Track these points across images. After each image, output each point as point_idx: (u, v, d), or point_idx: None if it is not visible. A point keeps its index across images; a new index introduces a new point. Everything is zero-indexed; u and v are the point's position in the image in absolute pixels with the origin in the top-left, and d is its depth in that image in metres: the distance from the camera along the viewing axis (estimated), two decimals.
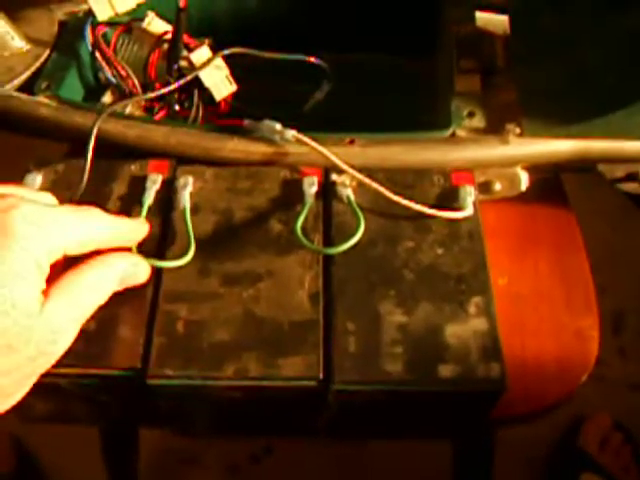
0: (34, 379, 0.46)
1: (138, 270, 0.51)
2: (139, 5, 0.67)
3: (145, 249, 0.53)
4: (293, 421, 0.55)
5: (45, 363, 0.46)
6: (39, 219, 0.44)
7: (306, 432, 0.59)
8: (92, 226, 0.48)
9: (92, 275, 0.47)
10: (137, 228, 0.53)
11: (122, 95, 0.68)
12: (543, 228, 0.67)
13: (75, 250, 0.47)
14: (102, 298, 0.48)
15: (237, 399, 0.50)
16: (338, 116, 0.66)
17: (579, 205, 0.77)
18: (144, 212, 0.54)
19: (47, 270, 0.45)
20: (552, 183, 0.68)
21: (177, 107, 0.68)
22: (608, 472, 0.94)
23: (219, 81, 0.67)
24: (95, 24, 0.67)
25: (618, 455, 0.96)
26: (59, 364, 0.48)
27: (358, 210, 0.53)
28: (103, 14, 0.66)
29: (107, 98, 0.69)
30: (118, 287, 0.50)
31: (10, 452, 1.09)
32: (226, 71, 0.67)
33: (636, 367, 1.05)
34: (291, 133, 0.57)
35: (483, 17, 0.70)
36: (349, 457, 0.96)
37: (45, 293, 0.44)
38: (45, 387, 0.51)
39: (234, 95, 0.69)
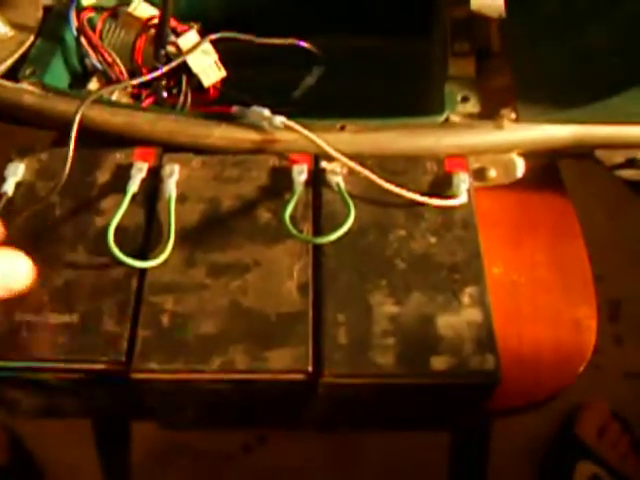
0: None
1: (15, 268, 0.48)
2: None
3: (130, 240, 0.52)
4: (282, 414, 0.53)
5: None
6: None
7: (296, 425, 0.58)
8: None
9: None
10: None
11: (109, 81, 0.67)
12: (540, 216, 0.65)
13: None
14: None
15: (224, 392, 0.49)
16: (330, 101, 0.64)
17: (577, 192, 0.75)
18: (127, 200, 0.53)
19: None
20: (549, 170, 0.66)
21: (165, 93, 0.66)
22: (606, 461, 0.93)
23: (207, 67, 0.66)
24: (80, 9, 0.66)
25: (616, 444, 0.95)
26: (43, 359, 0.46)
27: (348, 198, 0.52)
28: None
29: (93, 84, 0.67)
30: None
31: (5, 445, 1.08)
32: (215, 56, 0.66)
33: (633, 355, 1.04)
34: (280, 119, 0.56)
35: (478, 1, 0.68)
36: (344, 446, 0.95)
37: None
38: (30, 382, 0.50)
39: (223, 81, 0.67)
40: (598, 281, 1.06)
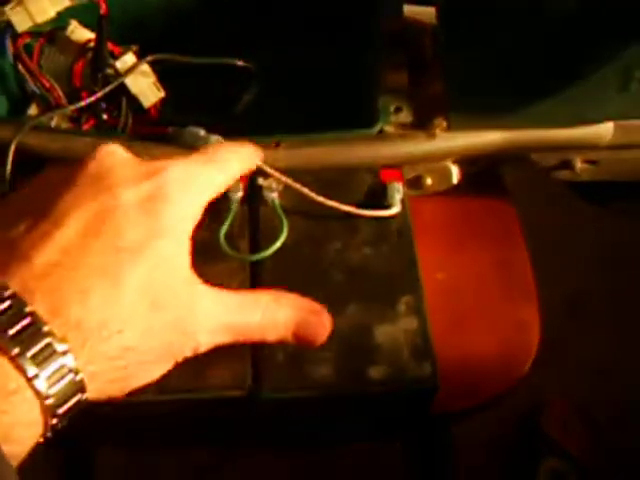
0: (171, 362, 0.45)
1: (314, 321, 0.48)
2: (60, 14, 0.65)
3: None
4: (224, 431, 0.54)
5: (183, 344, 0.44)
6: (189, 180, 0.46)
7: (244, 441, 0.58)
8: (231, 171, 0.51)
9: None
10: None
11: (48, 106, 0.67)
12: (482, 220, 0.66)
13: None
14: None
15: (164, 413, 0.49)
16: (269, 117, 0.65)
17: (525, 195, 0.77)
18: None
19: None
20: (491, 175, 0.67)
21: (105, 116, 0.66)
22: (570, 456, 0.94)
23: (146, 88, 0.66)
24: (15, 35, 0.66)
25: (579, 438, 0.96)
26: None
27: (282, 214, 0.52)
28: (22, 25, 0.64)
29: (33, 110, 0.67)
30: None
31: None
32: (153, 77, 0.66)
33: (594, 350, 1.06)
34: (215, 138, 0.56)
35: (412, 9, 0.69)
36: (314, 460, 0.95)
37: None
38: None
39: (164, 101, 0.68)
40: (556, 277, 1.08)
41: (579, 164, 0.61)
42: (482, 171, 0.64)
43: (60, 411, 0.39)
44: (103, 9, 0.64)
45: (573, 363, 1.04)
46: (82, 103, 0.62)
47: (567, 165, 0.62)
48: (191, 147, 0.58)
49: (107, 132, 0.64)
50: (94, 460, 0.83)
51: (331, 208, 0.54)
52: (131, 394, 0.47)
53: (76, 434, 0.57)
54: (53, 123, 0.65)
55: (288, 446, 0.69)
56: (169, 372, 0.47)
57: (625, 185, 0.66)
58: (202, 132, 0.57)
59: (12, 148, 0.56)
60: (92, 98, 0.63)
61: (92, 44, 0.66)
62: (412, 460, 0.91)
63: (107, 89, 0.62)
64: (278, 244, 0.51)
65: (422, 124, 0.59)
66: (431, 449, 0.87)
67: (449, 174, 0.60)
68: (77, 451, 0.84)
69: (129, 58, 0.65)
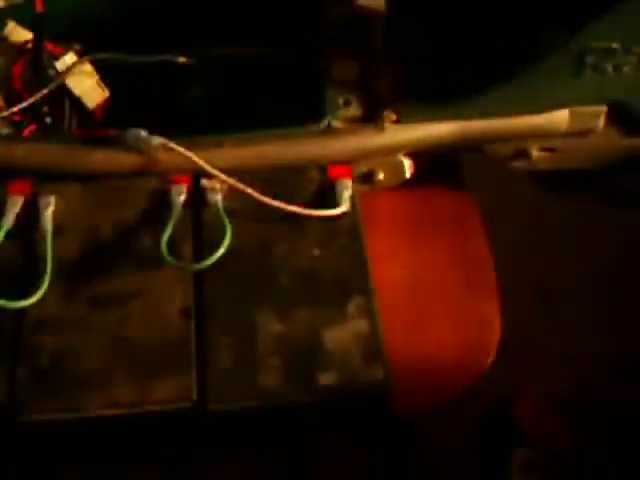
0: None
1: None
2: None
3: (5, 278, 0.50)
4: (175, 440, 0.52)
5: None
6: None
7: (195, 453, 0.57)
8: None
9: None
10: None
11: None
12: (440, 214, 0.65)
13: None
14: None
15: (111, 427, 0.47)
16: (215, 114, 0.63)
17: (487, 182, 0.75)
18: (0, 237, 0.51)
19: None
20: (448, 167, 0.66)
21: (49, 119, 0.64)
22: (540, 445, 0.93)
23: (89, 88, 0.64)
24: None
25: (550, 426, 0.95)
26: None
27: (225, 218, 0.51)
28: None
29: None
30: None
31: None
32: (96, 77, 0.64)
33: (565, 336, 1.05)
34: (157, 140, 0.54)
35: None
36: (297, 462, 0.93)
37: None
38: None
39: (109, 102, 0.65)
40: (525, 263, 1.07)
41: (535, 153, 0.60)
42: (437, 162, 0.63)
43: None
44: (38, 6, 0.62)
45: (545, 349, 1.03)
46: (21, 106, 0.60)
47: (523, 154, 0.60)
48: (134, 148, 0.56)
49: (47, 135, 0.61)
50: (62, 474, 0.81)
51: (278, 209, 0.52)
52: (79, 409, 0.45)
53: (38, 451, 0.55)
54: None
55: (244, 450, 0.68)
56: (115, 385, 0.45)
57: (581, 172, 0.64)
58: (143, 133, 0.55)
59: None
60: (31, 100, 0.60)
61: (30, 45, 0.63)
62: (377, 459, 0.90)
63: (45, 90, 0.60)
64: (221, 251, 0.49)
65: (372, 117, 0.57)
66: (395, 448, 0.86)
67: (401, 168, 0.58)
68: (45, 466, 0.82)
69: (70, 58, 0.63)
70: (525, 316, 0.98)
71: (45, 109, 0.64)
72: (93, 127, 0.65)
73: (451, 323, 0.60)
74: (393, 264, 0.61)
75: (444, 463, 0.91)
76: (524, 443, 0.92)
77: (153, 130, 0.56)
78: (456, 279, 0.62)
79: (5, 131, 0.63)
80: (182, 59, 0.63)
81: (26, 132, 0.63)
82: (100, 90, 0.64)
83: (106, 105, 0.66)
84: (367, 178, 0.58)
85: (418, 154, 0.59)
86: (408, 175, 0.59)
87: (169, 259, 0.49)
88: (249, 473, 0.78)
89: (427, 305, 0.60)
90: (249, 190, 0.51)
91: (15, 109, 0.60)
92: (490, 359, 0.59)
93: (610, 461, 0.91)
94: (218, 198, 0.52)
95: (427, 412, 0.59)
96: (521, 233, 1.03)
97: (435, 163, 0.62)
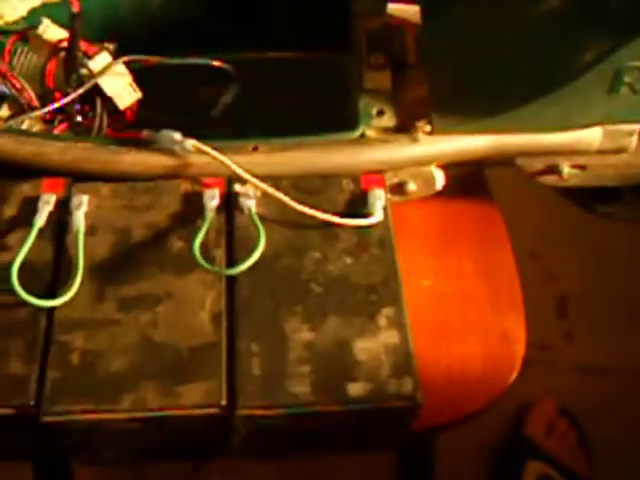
0: None
1: None
2: (32, 12, 0.63)
3: (37, 276, 0.50)
4: (203, 445, 0.52)
5: None
6: None
7: (219, 455, 0.57)
8: None
9: None
10: None
11: (20, 107, 0.64)
12: (466, 226, 0.65)
13: None
14: None
15: (138, 430, 0.47)
16: (248, 119, 0.63)
17: (517, 196, 0.75)
18: (32, 235, 0.51)
19: None
20: (475, 179, 0.66)
21: (80, 118, 0.64)
22: (554, 459, 0.93)
23: (121, 89, 0.64)
24: None
25: (564, 440, 0.95)
26: None
27: (259, 224, 0.50)
28: None
29: (4, 112, 0.65)
30: None
31: None
32: (129, 78, 0.64)
33: (581, 351, 1.05)
34: (191, 143, 0.54)
35: (395, 8, 0.67)
36: (289, 470, 0.93)
37: None
38: None
39: (141, 103, 0.65)
40: (546, 279, 1.07)
41: (566, 169, 0.59)
42: (465, 174, 0.63)
43: None
44: (76, 7, 0.62)
45: (561, 364, 1.03)
46: (55, 105, 0.60)
47: (554, 170, 0.60)
48: (167, 151, 0.56)
49: (78, 136, 0.61)
50: (70, 472, 0.81)
51: (309, 217, 0.52)
52: (106, 411, 0.45)
53: (52, 450, 0.55)
54: (24, 125, 0.62)
55: (265, 458, 0.68)
56: (144, 387, 0.45)
57: (610, 189, 0.64)
58: (177, 136, 0.55)
59: None
60: (65, 100, 0.60)
61: (65, 44, 0.63)
62: (394, 469, 0.90)
63: (80, 91, 0.60)
64: (255, 257, 0.49)
65: (405, 128, 0.57)
66: (413, 458, 0.86)
67: (433, 179, 0.58)
68: (54, 463, 0.82)
69: (104, 58, 0.63)
70: (541, 330, 0.98)
71: (76, 108, 0.64)
72: (124, 128, 0.65)
73: (476, 337, 0.60)
74: (418, 275, 0.61)
75: (458, 476, 0.91)
76: (538, 456, 0.92)
77: (184, 133, 0.56)
78: (482, 292, 0.62)
79: (37, 128, 0.63)
80: (217, 63, 0.63)
81: (56, 130, 0.64)
82: (132, 91, 0.64)
83: (137, 106, 0.66)
84: (398, 189, 0.58)
85: (448, 165, 0.59)
86: (440, 187, 0.59)
87: (203, 263, 0.48)
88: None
89: (452, 318, 0.61)
90: (283, 197, 0.51)
91: (50, 108, 0.60)
92: (515, 374, 0.59)
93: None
94: (251, 204, 0.52)
95: (445, 427, 0.59)
96: (540, 246, 1.03)
97: (462, 174, 0.62)
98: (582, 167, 0.60)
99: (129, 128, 0.65)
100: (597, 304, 1.08)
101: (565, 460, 0.93)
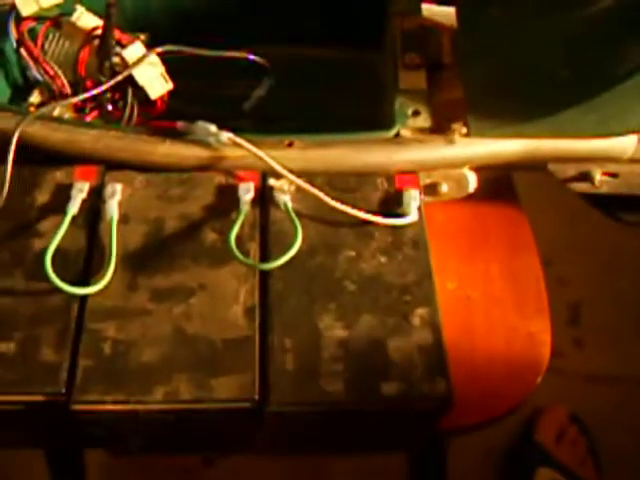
0: None
1: None
2: None
3: (70, 264, 0.50)
4: (230, 440, 0.52)
5: None
6: None
7: (245, 449, 0.57)
8: None
9: None
10: None
11: (51, 94, 0.64)
12: (493, 229, 0.65)
13: None
14: None
15: (169, 422, 0.47)
16: (281, 114, 0.63)
17: (535, 201, 0.75)
18: (66, 222, 0.51)
19: None
20: (503, 182, 0.66)
21: (110, 107, 0.64)
22: (564, 465, 0.93)
23: (154, 79, 0.64)
24: (20, 19, 0.63)
25: (574, 448, 0.95)
26: None
27: (296, 219, 0.50)
28: (27, 9, 0.62)
29: (35, 98, 0.65)
30: None
31: None
32: (161, 68, 0.64)
33: (592, 358, 1.05)
34: (226, 135, 0.54)
35: (430, 9, 0.67)
36: (306, 464, 0.93)
37: None
38: None
39: (171, 93, 0.65)
40: (559, 285, 1.07)
41: (598, 176, 0.59)
42: (494, 177, 0.63)
43: None
44: None
45: (572, 371, 1.03)
46: (88, 94, 0.60)
47: (586, 177, 0.60)
48: (201, 142, 0.56)
49: (111, 125, 0.61)
50: (83, 461, 0.81)
51: (344, 214, 0.52)
52: (137, 402, 0.45)
53: (70, 438, 0.55)
54: (56, 112, 0.62)
55: (289, 454, 0.68)
56: (176, 380, 0.45)
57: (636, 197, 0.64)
58: (213, 128, 0.55)
59: (15, 137, 0.53)
60: (99, 88, 0.60)
61: (99, 32, 0.63)
62: (400, 469, 0.90)
63: (116, 79, 0.60)
64: (292, 252, 0.49)
65: (440, 129, 0.57)
66: (426, 460, 0.86)
67: (466, 182, 0.58)
68: (65, 453, 0.82)
69: (137, 48, 0.63)
70: (555, 335, 0.98)
71: (107, 96, 0.64)
72: (154, 118, 0.65)
73: (502, 340, 0.59)
74: (445, 276, 0.61)
75: (468, 479, 0.91)
76: (548, 463, 0.92)
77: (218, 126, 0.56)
78: (508, 296, 0.62)
79: (68, 115, 0.63)
80: (253, 57, 0.63)
81: (88, 118, 0.63)
82: (164, 81, 0.64)
83: (168, 97, 0.65)
84: (430, 189, 0.58)
85: (483, 168, 0.59)
86: (472, 189, 0.59)
87: (239, 256, 0.48)
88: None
89: (478, 320, 0.60)
90: (319, 193, 0.51)
91: (85, 96, 0.60)
92: (540, 377, 0.59)
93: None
94: (287, 199, 0.52)
95: (470, 429, 0.58)
96: (552, 252, 1.02)
97: (491, 177, 0.61)
98: (614, 175, 0.60)
99: (159, 118, 0.65)
100: (609, 312, 1.08)
101: (575, 467, 0.93)
